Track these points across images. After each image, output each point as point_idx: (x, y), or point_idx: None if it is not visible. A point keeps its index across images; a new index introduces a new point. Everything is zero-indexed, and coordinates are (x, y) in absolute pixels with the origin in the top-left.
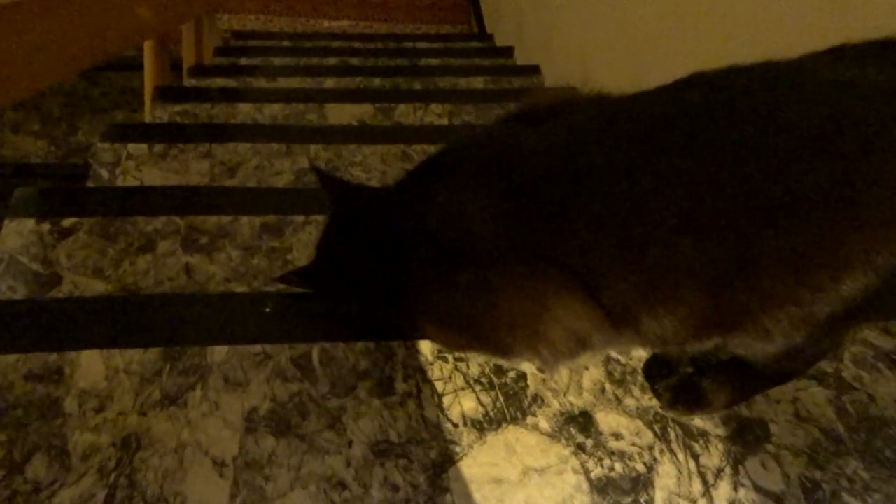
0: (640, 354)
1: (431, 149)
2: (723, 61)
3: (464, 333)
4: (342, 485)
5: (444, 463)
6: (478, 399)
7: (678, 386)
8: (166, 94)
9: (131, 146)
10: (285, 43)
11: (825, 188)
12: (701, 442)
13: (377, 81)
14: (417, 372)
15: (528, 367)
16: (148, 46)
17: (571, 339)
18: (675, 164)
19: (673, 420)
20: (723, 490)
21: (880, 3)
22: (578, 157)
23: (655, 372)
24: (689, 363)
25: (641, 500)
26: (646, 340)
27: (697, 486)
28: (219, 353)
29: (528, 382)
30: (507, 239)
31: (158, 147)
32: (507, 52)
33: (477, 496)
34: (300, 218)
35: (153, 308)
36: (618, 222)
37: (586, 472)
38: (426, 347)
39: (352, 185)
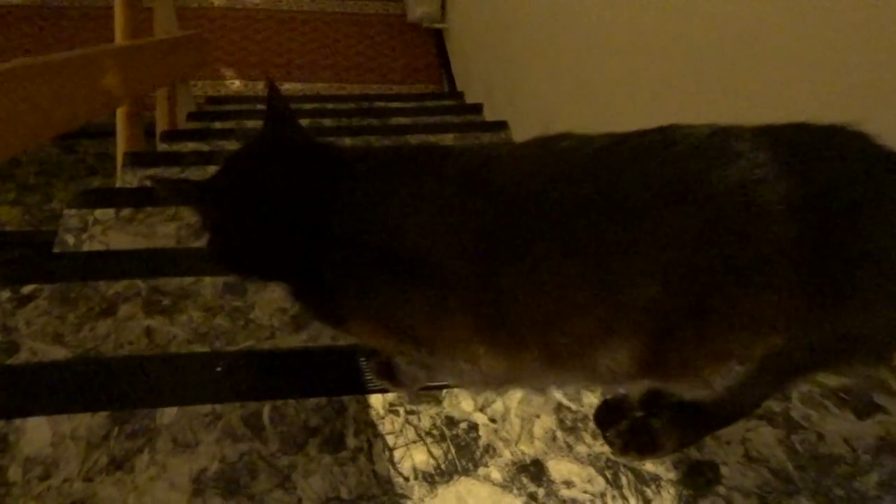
0: (592, 401)
1: None
2: (682, 117)
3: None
4: None
5: None
6: (429, 451)
7: (629, 431)
8: (137, 159)
9: (98, 212)
10: (259, 106)
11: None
12: (653, 487)
13: (348, 141)
14: (369, 426)
15: (479, 418)
16: (120, 112)
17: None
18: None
19: (624, 466)
20: None
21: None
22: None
23: (606, 418)
24: (639, 407)
25: None
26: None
27: None
28: (168, 414)
29: (480, 433)
30: (460, 260)
31: (125, 212)
32: (477, 108)
33: None
34: None
35: (102, 371)
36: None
37: None
38: (378, 401)
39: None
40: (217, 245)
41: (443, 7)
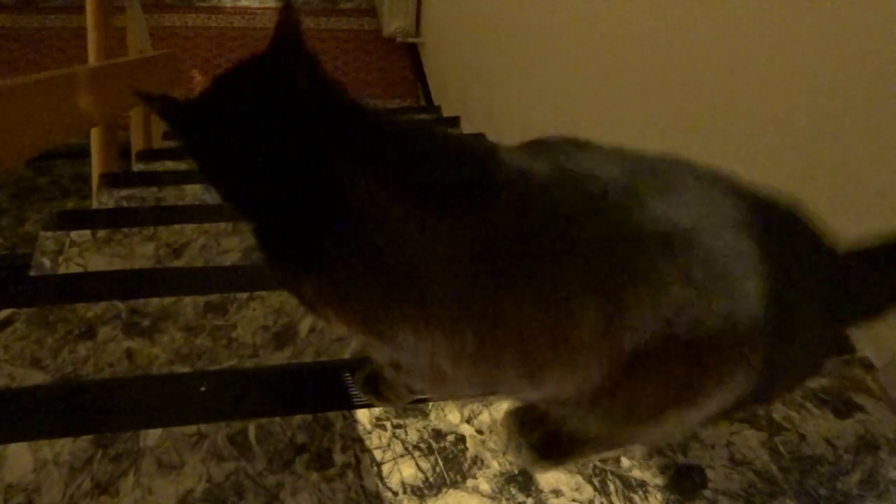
0: None
1: None
2: (656, 127)
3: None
4: None
5: None
6: (417, 465)
7: (541, 440)
8: (112, 179)
9: (74, 233)
10: None
11: None
12: (640, 492)
13: None
14: (356, 442)
15: (466, 430)
16: (95, 133)
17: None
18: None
19: (612, 473)
20: None
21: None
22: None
23: (518, 429)
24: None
25: None
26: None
27: None
28: (152, 436)
29: (468, 444)
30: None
31: (102, 233)
32: (454, 121)
33: None
34: (244, 295)
35: (83, 395)
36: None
37: None
38: (364, 416)
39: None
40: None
41: (417, 21)
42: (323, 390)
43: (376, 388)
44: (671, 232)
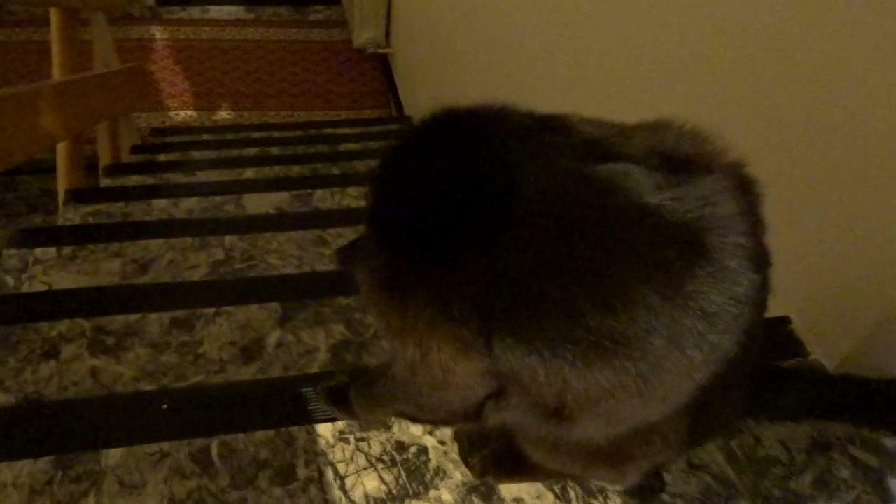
0: None
1: (348, 231)
2: None
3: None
4: None
5: None
6: (380, 478)
7: (491, 456)
8: (79, 195)
9: (39, 251)
10: (205, 136)
11: None
12: (600, 498)
13: (296, 169)
14: (319, 456)
15: (429, 441)
16: (61, 148)
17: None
18: None
19: (571, 480)
20: None
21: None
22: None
23: (468, 445)
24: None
25: None
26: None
27: None
28: (113, 456)
29: (430, 456)
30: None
31: (67, 250)
32: None
33: None
34: (211, 310)
35: (43, 415)
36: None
37: None
38: (326, 430)
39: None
40: None
41: (388, 32)
42: (286, 405)
43: (342, 401)
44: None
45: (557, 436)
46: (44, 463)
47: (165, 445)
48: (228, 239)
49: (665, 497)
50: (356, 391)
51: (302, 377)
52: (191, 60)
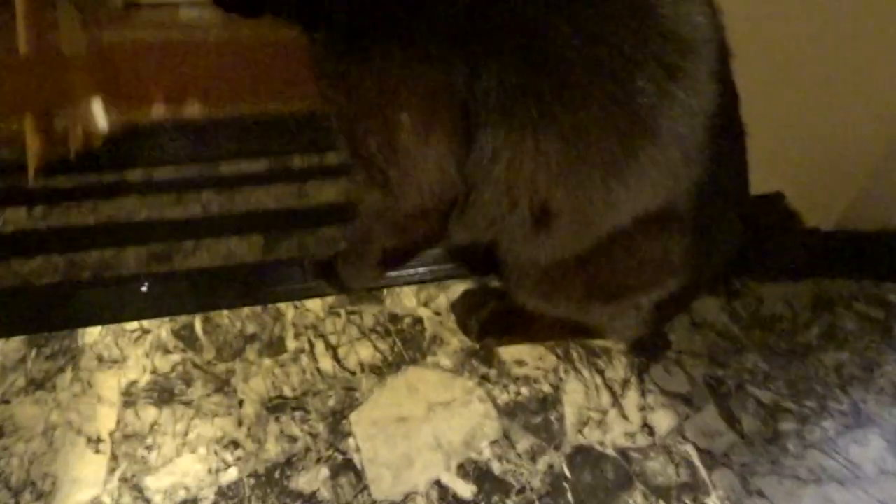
0: None
1: (328, 187)
2: None
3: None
4: (234, 443)
5: (343, 410)
6: (374, 346)
7: (488, 318)
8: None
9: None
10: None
11: None
12: (604, 358)
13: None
14: (309, 329)
15: (423, 312)
16: (29, 122)
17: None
18: None
19: (574, 342)
20: (631, 398)
21: None
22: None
23: (466, 307)
24: (497, 297)
25: (552, 418)
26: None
27: (606, 398)
28: (90, 334)
29: (426, 325)
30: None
31: (38, 210)
32: None
33: (381, 437)
34: (190, 244)
35: (15, 295)
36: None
37: (493, 400)
38: (316, 305)
39: None
40: None
41: None
42: (272, 283)
43: (330, 272)
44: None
45: (544, 255)
46: (16, 342)
47: (146, 323)
48: (205, 194)
49: (671, 354)
50: (341, 256)
51: (287, 260)
52: (161, 62)
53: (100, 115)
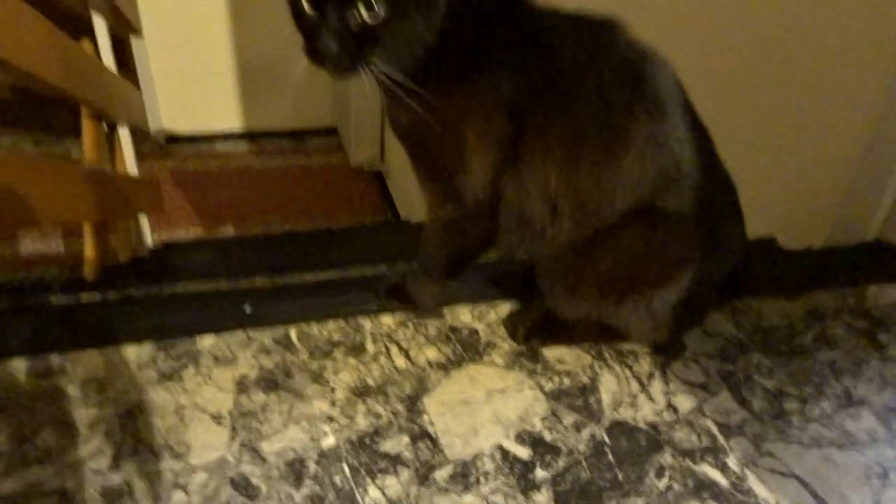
0: None
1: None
2: None
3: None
4: (330, 418)
5: (417, 394)
6: (439, 349)
7: (533, 326)
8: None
9: None
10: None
11: None
12: (631, 357)
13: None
14: (384, 337)
15: (478, 325)
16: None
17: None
18: None
19: (606, 345)
20: (656, 386)
21: None
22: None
23: (512, 319)
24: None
25: (591, 401)
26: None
27: (635, 386)
28: (207, 339)
29: (480, 335)
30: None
31: None
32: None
33: (450, 414)
34: None
35: (142, 308)
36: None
37: (541, 388)
38: (389, 319)
39: None
40: None
41: (382, 151)
42: (353, 300)
43: (401, 292)
44: (661, 101)
45: (557, 244)
46: (146, 347)
47: (251, 332)
48: None
49: (688, 354)
50: (409, 277)
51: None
52: (198, 187)
53: (146, 232)
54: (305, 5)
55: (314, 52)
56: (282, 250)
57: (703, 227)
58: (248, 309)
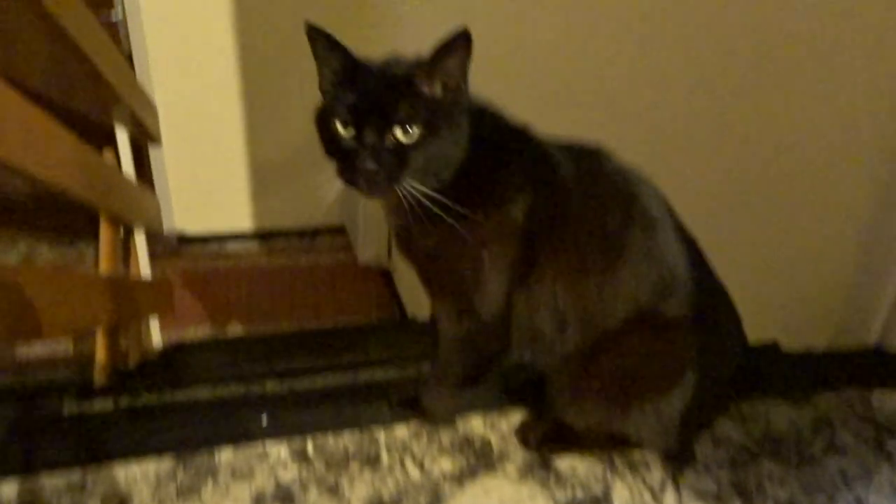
0: None
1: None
2: None
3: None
4: None
5: None
6: (453, 460)
7: (544, 434)
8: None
9: None
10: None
11: None
12: (643, 467)
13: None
14: (399, 447)
15: (491, 435)
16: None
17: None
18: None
19: (617, 454)
20: (669, 496)
21: None
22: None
23: (526, 431)
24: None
25: None
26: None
27: (648, 497)
28: (225, 453)
29: (493, 445)
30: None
31: None
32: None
33: None
34: None
35: (161, 419)
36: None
37: (554, 499)
38: (403, 430)
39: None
40: None
41: (389, 250)
42: (368, 410)
43: (415, 404)
44: (651, 217)
45: (563, 353)
46: (166, 460)
47: (268, 444)
48: None
49: (698, 463)
50: (423, 387)
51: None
52: (208, 286)
53: (156, 333)
54: (341, 128)
55: (350, 172)
56: (291, 351)
57: (701, 331)
58: (264, 420)
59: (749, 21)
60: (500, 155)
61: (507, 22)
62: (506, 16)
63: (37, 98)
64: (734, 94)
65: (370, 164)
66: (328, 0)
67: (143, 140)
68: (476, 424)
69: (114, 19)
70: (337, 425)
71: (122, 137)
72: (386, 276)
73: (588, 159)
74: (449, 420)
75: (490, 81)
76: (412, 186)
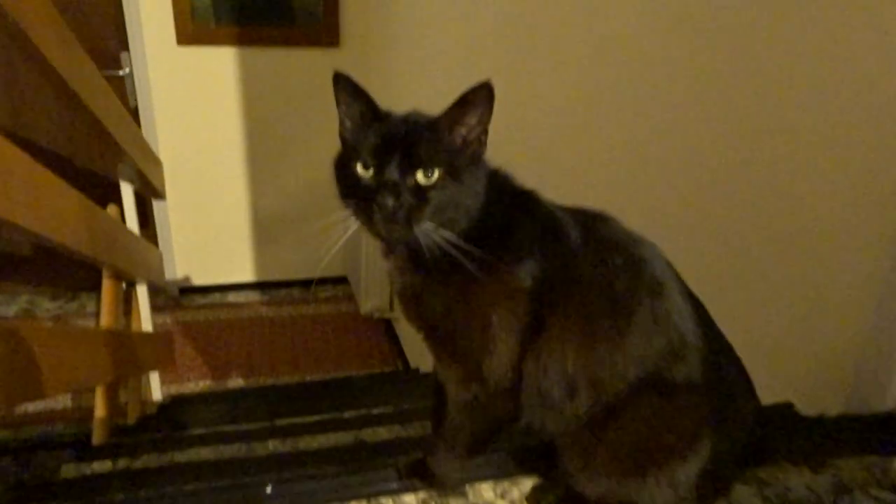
0: None
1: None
2: None
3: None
4: None
5: None
6: None
7: (558, 498)
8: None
9: None
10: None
11: None
12: None
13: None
14: None
15: (501, 502)
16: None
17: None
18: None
19: None
20: None
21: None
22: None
23: (535, 497)
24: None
25: None
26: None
27: None
28: None
29: None
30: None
31: None
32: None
33: None
34: None
35: (163, 482)
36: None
37: None
38: (411, 499)
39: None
40: None
41: (391, 301)
42: (375, 478)
43: (423, 471)
44: (658, 281)
45: (574, 419)
46: None
47: None
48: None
49: None
50: (432, 454)
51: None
52: (209, 337)
53: (156, 387)
54: (361, 169)
55: (368, 212)
56: (294, 405)
57: (713, 395)
58: (269, 490)
59: (754, 85)
60: (510, 217)
61: (506, 90)
62: (505, 83)
63: (43, 154)
64: (742, 153)
65: (390, 201)
66: (325, 66)
67: (149, 197)
68: (486, 491)
69: (121, 73)
70: (344, 496)
71: (127, 192)
72: (388, 326)
73: (594, 224)
74: (458, 487)
75: (492, 146)
76: (430, 230)
